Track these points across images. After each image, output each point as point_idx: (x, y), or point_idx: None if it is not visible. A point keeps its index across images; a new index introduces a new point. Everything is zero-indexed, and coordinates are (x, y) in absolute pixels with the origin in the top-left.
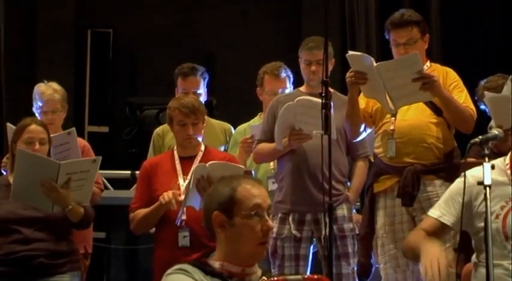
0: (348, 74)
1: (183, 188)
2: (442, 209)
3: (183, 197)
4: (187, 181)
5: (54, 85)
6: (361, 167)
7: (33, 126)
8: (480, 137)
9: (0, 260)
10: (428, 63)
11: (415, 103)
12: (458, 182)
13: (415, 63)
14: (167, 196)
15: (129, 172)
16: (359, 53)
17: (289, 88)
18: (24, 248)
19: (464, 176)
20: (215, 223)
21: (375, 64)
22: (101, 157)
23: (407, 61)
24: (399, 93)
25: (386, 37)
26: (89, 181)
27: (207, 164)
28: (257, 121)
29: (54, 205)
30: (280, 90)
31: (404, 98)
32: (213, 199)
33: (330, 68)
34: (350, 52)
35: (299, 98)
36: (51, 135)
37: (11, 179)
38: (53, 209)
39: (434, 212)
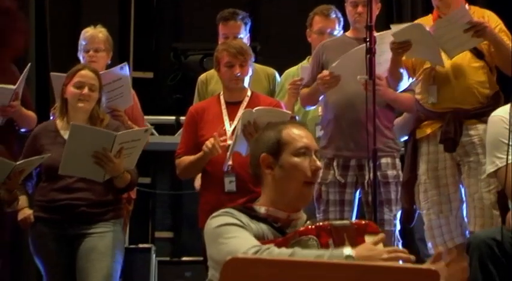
0: (390, 46)
1: (229, 133)
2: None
3: (229, 142)
4: (233, 126)
5: (100, 27)
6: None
7: (85, 72)
8: None
9: (44, 206)
10: (466, 6)
11: (467, 49)
12: (494, 128)
13: (464, 15)
14: (209, 143)
15: (173, 117)
16: (400, 28)
17: (338, 30)
18: (67, 197)
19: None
20: (263, 165)
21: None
22: (152, 127)
23: (457, 15)
24: (452, 45)
25: None
26: (138, 148)
27: (254, 110)
28: (306, 64)
29: (106, 174)
30: (328, 30)
31: (457, 48)
32: (259, 144)
33: (376, 12)
34: (392, 28)
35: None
36: (100, 72)
37: (59, 125)
38: (104, 178)
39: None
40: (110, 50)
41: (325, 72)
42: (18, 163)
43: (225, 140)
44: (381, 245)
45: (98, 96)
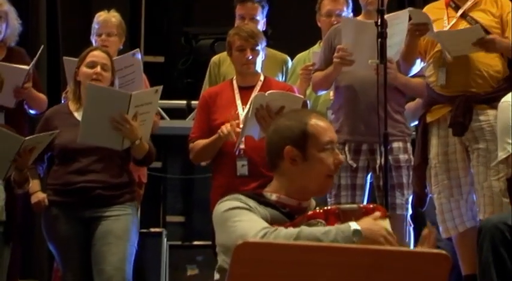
0: (409, 27)
1: (242, 118)
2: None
3: (241, 126)
4: (246, 110)
5: (113, 12)
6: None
7: (97, 52)
8: None
9: (59, 190)
10: None
11: (469, 54)
12: (504, 113)
13: (478, 35)
14: (225, 128)
15: (184, 101)
16: (420, 10)
17: (346, 13)
18: (82, 179)
19: None
20: (287, 158)
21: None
22: (161, 87)
23: (470, 33)
24: (455, 49)
25: None
26: (151, 115)
27: (266, 93)
28: (317, 48)
29: (124, 141)
30: (337, 12)
31: (459, 52)
32: (282, 134)
33: None
34: (410, 8)
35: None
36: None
37: (71, 107)
38: (123, 145)
39: None
40: (123, 36)
41: (341, 46)
42: (27, 138)
43: (239, 125)
44: (388, 226)
45: (111, 79)
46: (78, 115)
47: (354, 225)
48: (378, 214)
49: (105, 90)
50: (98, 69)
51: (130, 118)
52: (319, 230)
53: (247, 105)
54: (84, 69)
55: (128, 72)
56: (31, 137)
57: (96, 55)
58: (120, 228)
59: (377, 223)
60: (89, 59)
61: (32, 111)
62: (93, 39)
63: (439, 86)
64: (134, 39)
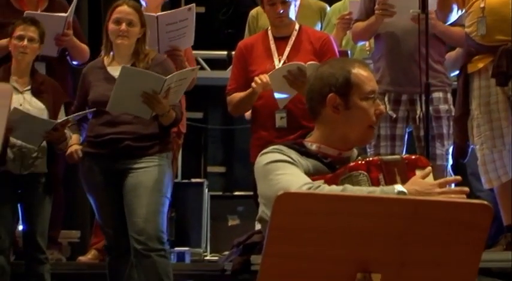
0: None
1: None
2: None
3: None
4: (282, 62)
5: None
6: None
7: (123, 7)
8: None
9: (92, 142)
10: None
11: None
12: None
13: None
14: (258, 79)
15: (225, 52)
16: None
17: None
18: (112, 131)
19: None
20: (329, 105)
21: None
22: (199, 67)
23: None
24: None
25: None
26: (184, 86)
27: (306, 64)
28: None
29: (153, 112)
30: None
31: None
32: (325, 81)
33: None
34: None
35: None
36: (162, 13)
37: (105, 61)
38: (151, 115)
39: None
40: None
41: None
42: (58, 121)
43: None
44: (431, 178)
45: (141, 31)
46: (111, 70)
47: (399, 187)
48: (428, 170)
49: (139, 72)
50: (123, 26)
51: (163, 96)
52: (362, 190)
53: (284, 57)
54: (111, 25)
55: (181, 26)
56: (61, 120)
57: (121, 11)
58: (150, 179)
59: (424, 183)
60: (114, 15)
61: (74, 63)
62: None
63: (480, 36)
64: None
